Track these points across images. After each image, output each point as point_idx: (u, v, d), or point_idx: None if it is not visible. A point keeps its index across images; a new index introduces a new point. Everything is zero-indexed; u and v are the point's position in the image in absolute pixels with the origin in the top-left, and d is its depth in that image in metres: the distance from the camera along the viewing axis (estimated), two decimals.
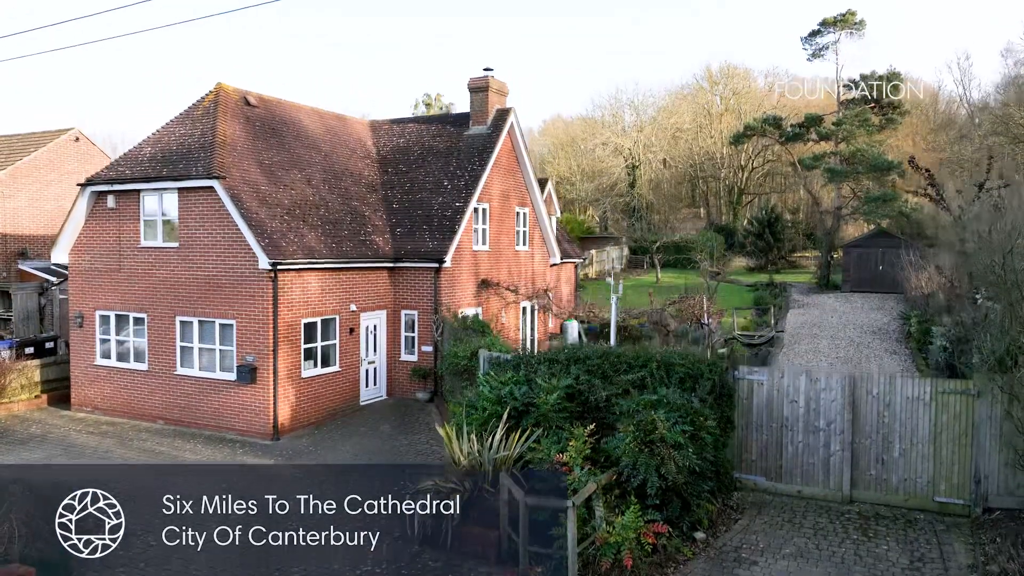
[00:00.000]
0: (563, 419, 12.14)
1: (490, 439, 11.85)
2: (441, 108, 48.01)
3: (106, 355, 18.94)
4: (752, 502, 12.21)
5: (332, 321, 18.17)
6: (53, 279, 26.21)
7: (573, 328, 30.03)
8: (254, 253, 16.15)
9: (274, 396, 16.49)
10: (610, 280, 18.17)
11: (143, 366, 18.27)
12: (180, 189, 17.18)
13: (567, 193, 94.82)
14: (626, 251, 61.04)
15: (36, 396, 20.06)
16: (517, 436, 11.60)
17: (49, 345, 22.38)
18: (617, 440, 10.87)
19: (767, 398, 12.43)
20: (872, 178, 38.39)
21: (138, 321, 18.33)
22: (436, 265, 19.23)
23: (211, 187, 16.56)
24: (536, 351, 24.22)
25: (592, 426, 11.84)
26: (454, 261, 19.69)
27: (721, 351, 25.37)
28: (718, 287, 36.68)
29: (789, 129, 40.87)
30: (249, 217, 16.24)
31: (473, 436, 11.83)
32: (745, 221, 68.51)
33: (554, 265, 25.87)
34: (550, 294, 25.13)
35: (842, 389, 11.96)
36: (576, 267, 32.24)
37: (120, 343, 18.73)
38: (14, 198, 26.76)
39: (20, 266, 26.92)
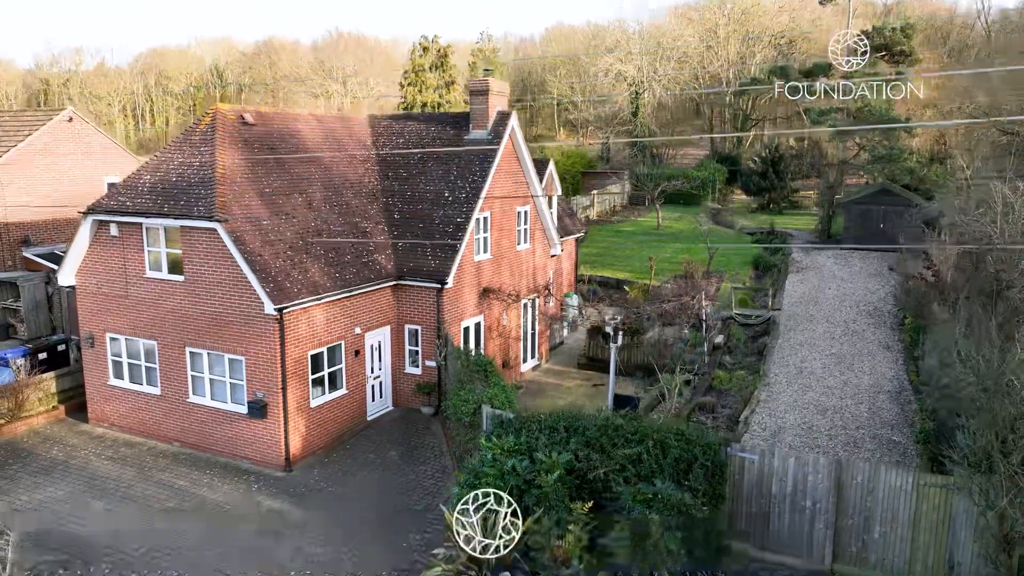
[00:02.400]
0: (563, 495, 12.81)
1: (492, 520, 12.57)
2: (439, 51, 46.70)
3: (119, 376, 19.48)
4: (738, 571, 13.02)
5: (338, 347, 18.60)
6: (57, 268, 26.45)
7: (573, 302, 30.56)
8: (259, 296, 16.41)
9: (285, 430, 17.14)
10: (610, 337, 18.26)
11: (156, 390, 18.84)
12: (183, 226, 17.25)
13: (568, 114, 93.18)
14: (627, 187, 60.54)
15: (53, 407, 20.72)
16: (520, 526, 12.29)
17: (61, 348, 22.91)
18: (613, 539, 11.53)
19: (757, 475, 13.03)
20: (879, 133, 37.81)
21: (148, 347, 18.77)
22: (438, 286, 19.48)
23: (213, 228, 16.64)
24: (538, 346, 24.82)
25: (591, 503, 12.61)
26: (456, 278, 19.92)
27: (717, 340, 25.95)
28: (717, 252, 36.89)
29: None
30: (253, 261, 16.40)
31: (476, 521, 12.54)
32: (748, 155, 67.62)
33: (554, 256, 26.02)
34: (551, 288, 25.43)
35: (829, 473, 12.55)
36: (577, 241, 32.27)
37: (132, 366, 19.23)
38: (13, 185, 26.63)
39: (24, 253, 27.10)
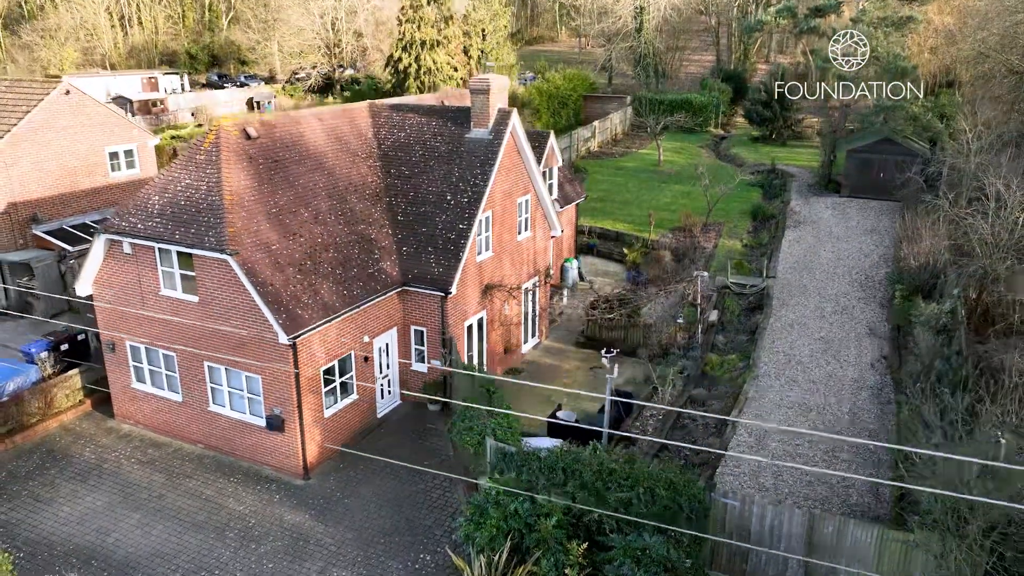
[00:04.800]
0: (560, 537, 14.12)
1: (497, 558, 13.97)
2: None
3: (141, 380, 20.55)
4: None
5: (348, 357, 19.56)
6: (70, 248, 27.10)
7: (573, 268, 31.37)
8: (272, 326, 17.20)
9: (302, 441, 18.36)
10: (606, 373, 18.82)
11: (177, 397, 19.95)
12: (194, 254, 17.83)
13: (571, 20, 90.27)
14: (629, 113, 59.76)
15: (80, 402, 21.89)
16: (521, 572, 13.68)
17: (81, 337, 23.86)
18: None
19: (738, 518, 14.30)
20: (887, 80, 37.28)
21: (167, 357, 19.73)
22: (442, 294, 20.22)
23: (225, 260, 17.24)
24: (538, 324, 25.78)
25: (585, 544, 13.95)
26: (459, 284, 20.61)
27: (712, 318, 26.87)
28: (717, 202, 37.20)
29: (804, 21, 38.85)
30: (265, 292, 17.10)
31: (483, 560, 13.94)
32: (753, 68, 66.06)
33: (554, 237, 26.54)
34: (551, 271, 26.09)
35: (802, 523, 13.81)
36: (577, 206, 32.57)
37: (153, 372, 20.25)
38: (17, 164, 26.83)
39: (34, 231, 27.60)
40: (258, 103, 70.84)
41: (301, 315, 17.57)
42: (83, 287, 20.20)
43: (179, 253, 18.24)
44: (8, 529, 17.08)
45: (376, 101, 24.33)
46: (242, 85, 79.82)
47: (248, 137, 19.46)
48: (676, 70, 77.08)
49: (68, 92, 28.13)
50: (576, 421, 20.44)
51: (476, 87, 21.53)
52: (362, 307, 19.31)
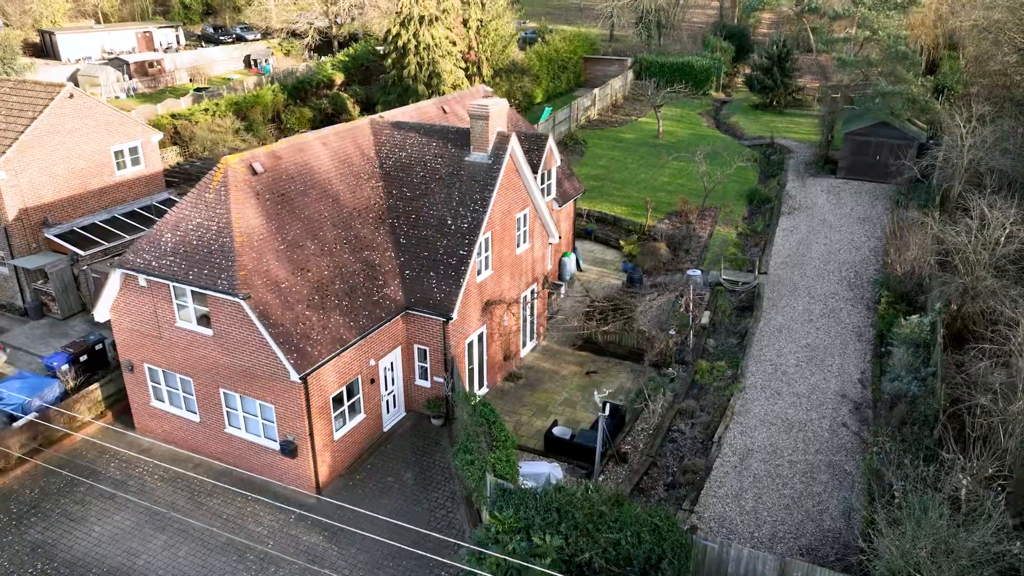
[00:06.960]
0: None
1: None
2: None
3: (159, 399, 21.70)
4: None
5: (356, 381, 20.66)
6: (81, 252, 27.90)
7: (571, 262, 32.25)
8: (283, 363, 18.23)
9: (314, 464, 19.64)
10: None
11: (195, 417, 21.13)
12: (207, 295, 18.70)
13: None
14: (630, 77, 59.31)
15: (102, 413, 23.13)
16: None
17: (99, 347, 24.93)
18: None
19: (717, 559, 15.63)
20: (886, 63, 37.26)
21: (184, 381, 20.82)
22: (444, 319, 21.18)
23: (238, 303, 18.14)
24: (535, 328, 26.79)
25: None
26: (460, 307, 21.54)
27: (703, 322, 27.86)
28: (713, 188, 37.73)
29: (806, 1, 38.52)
30: (276, 332, 18.06)
31: None
32: (756, 24, 65.13)
33: (552, 243, 27.27)
34: (548, 278, 26.93)
35: (774, 567, 15.14)
36: (575, 201, 33.07)
37: (171, 393, 21.38)
38: (27, 170, 27.37)
39: (46, 235, 28.33)
40: (255, 60, 70.08)
41: (311, 352, 18.57)
42: (101, 314, 21.12)
43: (191, 293, 19.10)
44: (46, 550, 18.50)
45: (376, 117, 24.72)
46: (238, 38, 78.70)
47: (254, 173, 20.06)
48: (679, 20, 75.93)
49: (72, 96, 28.42)
50: (571, 436, 21.70)
51: (475, 113, 21.96)
52: (368, 335, 20.29)
